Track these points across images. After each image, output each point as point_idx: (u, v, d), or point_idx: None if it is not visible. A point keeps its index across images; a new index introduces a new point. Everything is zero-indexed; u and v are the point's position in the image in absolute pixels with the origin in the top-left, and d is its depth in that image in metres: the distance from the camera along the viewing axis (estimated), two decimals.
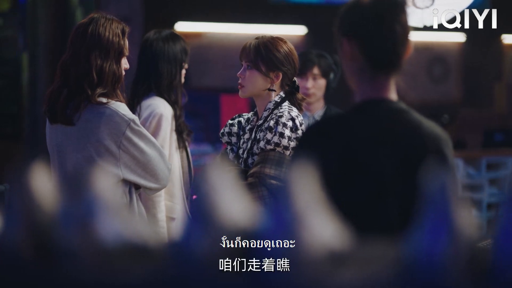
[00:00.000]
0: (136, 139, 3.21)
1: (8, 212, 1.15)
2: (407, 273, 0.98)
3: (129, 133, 3.19)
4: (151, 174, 3.27)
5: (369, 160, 2.06)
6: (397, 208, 2.02)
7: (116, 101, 3.23)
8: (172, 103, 3.93)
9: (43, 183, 1.15)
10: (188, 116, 4.11)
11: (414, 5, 4.50)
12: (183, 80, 4.04)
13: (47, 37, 7.92)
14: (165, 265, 1.07)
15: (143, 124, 3.83)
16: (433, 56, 11.03)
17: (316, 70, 4.62)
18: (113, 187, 1.14)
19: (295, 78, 3.46)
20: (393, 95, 2.12)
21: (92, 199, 1.11)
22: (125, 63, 3.32)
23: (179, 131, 3.94)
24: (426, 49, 10.85)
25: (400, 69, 2.12)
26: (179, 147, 3.95)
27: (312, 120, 4.67)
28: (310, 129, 2.46)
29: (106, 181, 1.13)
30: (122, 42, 3.28)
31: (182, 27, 9.68)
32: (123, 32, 3.30)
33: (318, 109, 4.71)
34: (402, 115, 2.09)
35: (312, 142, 2.14)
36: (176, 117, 3.92)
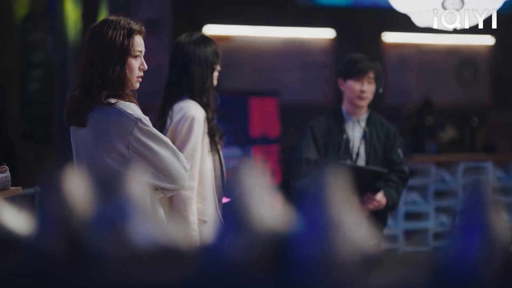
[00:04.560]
0: (144, 139, 3.13)
1: (39, 215, 1.15)
2: (439, 277, 0.98)
3: (136, 133, 3.11)
4: (164, 174, 3.19)
5: None
6: None
7: (126, 101, 3.18)
8: (204, 106, 3.93)
9: (75, 186, 1.16)
10: (217, 119, 4.11)
11: (444, 7, 4.47)
12: (215, 82, 4.05)
13: (76, 41, 7.97)
14: (196, 268, 1.07)
15: (175, 127, 3.83)
16: (462, 59, 10.97)
17: (371, 74, 4.60)
18: (136, 189, 1.14)
19: None
20: None
21: (123, 202, 1.11)
22: (140, 63, 3.25)
23: (211, 134, 3.94)
24: (455, 52, 10.79)
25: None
26: (211, 150, 3.94)
27: (357, 124, 4.67)
28: None
29: (130, 184, 1.14)
30: (126, 42, 3.19)
31: (210, 30, 9.71)
32: (130, 31, 3.22)
33: (363, 114, 4.69)
34: None
35: None
36: (208, 120, 3.92)
